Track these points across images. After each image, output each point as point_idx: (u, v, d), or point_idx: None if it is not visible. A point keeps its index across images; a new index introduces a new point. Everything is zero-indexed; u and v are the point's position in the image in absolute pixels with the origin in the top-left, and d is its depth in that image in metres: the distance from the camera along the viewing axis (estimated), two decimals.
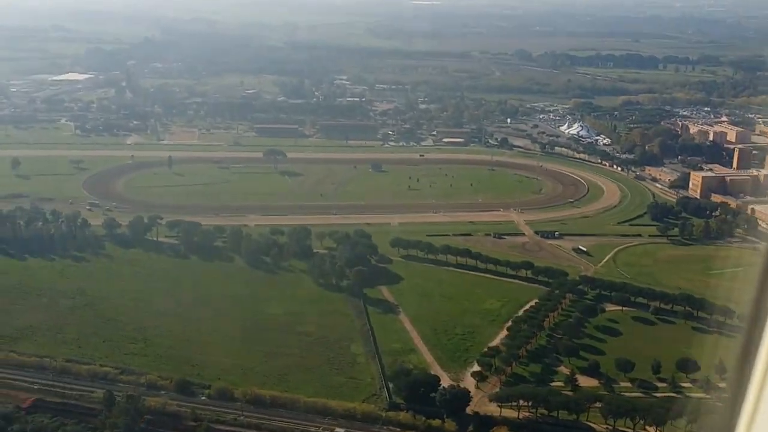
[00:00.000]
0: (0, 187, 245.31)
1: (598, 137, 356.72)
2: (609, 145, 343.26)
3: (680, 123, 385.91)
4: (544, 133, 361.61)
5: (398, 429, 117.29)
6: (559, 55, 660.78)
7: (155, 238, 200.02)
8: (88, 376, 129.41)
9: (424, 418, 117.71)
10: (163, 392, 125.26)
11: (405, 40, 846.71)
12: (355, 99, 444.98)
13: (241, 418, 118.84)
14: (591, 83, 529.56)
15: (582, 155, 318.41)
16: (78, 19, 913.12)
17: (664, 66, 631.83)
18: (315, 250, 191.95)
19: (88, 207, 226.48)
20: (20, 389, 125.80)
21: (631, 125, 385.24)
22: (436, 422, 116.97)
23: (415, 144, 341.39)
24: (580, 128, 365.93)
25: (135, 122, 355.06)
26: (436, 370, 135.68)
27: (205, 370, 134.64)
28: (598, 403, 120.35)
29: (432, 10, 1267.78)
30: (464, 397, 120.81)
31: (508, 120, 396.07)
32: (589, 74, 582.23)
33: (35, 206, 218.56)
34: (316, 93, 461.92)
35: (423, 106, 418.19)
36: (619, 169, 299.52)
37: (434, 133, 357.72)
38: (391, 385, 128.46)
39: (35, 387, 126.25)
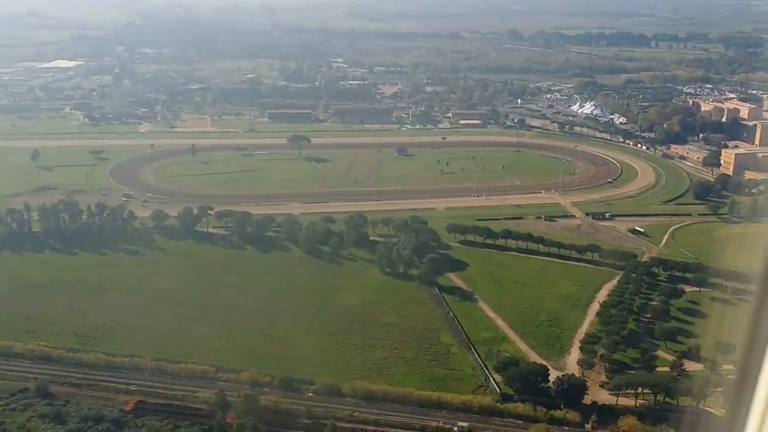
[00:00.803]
0: (26, 180, 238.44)
1: (612, 116, 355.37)
2: (625, 124, 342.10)
3: (690, 101, 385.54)
4: (559, 113, 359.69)
5: (519, 421, 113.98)
6: (550, 34, 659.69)
7: (205, 229, 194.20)
8: (185, 376, 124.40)
9: (544, 410, 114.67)
10: (267, 389, 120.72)
11: (388, 21, 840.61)
12: (358, 82, 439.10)
13: (356, 414, 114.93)
14: (589, 62, 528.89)
15: (603, 135, 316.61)
16: (52, 4, 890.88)
17: (656, 44, 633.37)
18: (371, 238, 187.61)
19: (123, 198, 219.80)
20: (118, 391, 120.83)
21: (642, 104, 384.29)
22: (559, 413, 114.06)
23: (431, 127, 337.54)
24: (593, 107, 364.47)
25: (143, 110, 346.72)
26: (535, 358, 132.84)
27: (300, 365, 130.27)
28: (717, 388, 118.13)
29: None
30: (581, 386, 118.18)
31: (518, 100, 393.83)
32: (585, 53, 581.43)
33: (71, 199, 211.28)
34: (317, 77, 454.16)
35: (430, 89, 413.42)
36: (644, 147, 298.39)
37: (449, 115, 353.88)
38: (496, 376, 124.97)
39: (132, 388, 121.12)
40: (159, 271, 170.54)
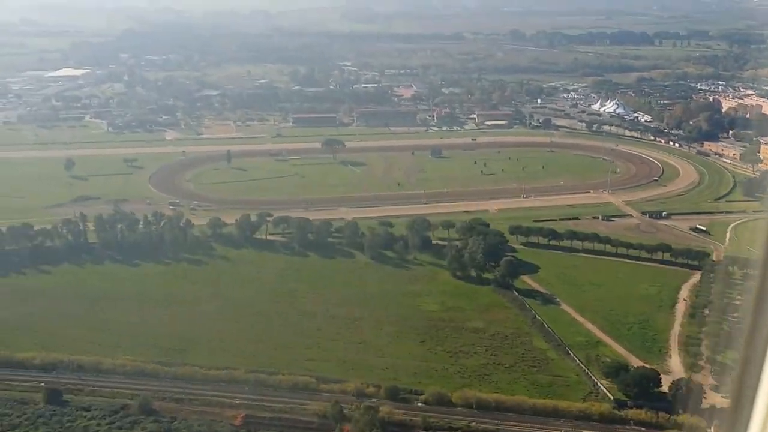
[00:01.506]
0: (64, 190, 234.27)
1: (635, 114, 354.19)
2: (650, 122, 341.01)
3: (710, 98, 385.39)
4: (584, 112, 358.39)
5: (642, 429, 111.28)
6: (551, 34, 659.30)
7: (263, 237, 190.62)
8: (286, 387, 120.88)
9: (666, 415, 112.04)
10: (374, 400, 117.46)
11: (385, 23, 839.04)
12: (372, 85, 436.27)
13: (474, 424, 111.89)
14: (597, 61, 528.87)
15: (632, 133, 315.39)
16: (44, 12, 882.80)
17: (660, 42, 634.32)
18: (433, 242, 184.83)
19: (171, 207, 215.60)
20: (222, 405, 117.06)
21: (662, 101, 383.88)
22: (683, 418, 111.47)
23: (457, 128, 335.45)
24: (615, 106, 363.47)
25: (164, 117, 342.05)
26: (636, 362, 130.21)
27: (399, 374, 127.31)
28: None
29: None
30: (699, 390, 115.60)
31: (538, 100, 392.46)
32: (590, 52, 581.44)
33: (118, 208, 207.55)
34: (330, 81, 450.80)
35: (447, 90, 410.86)
36: (676, 145, 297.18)
37: (473, 116, 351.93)
38: (604, 382, 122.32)
39: (236, 402, 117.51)
40: (227, 281, 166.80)
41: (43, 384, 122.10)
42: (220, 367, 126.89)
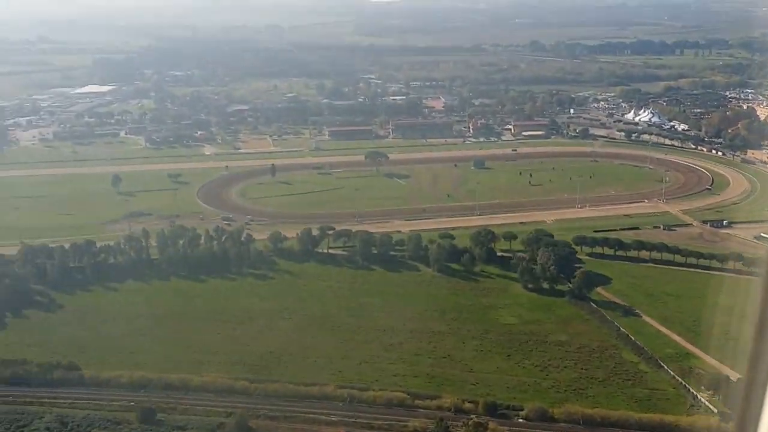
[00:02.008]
0: (115, 206, 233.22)
1: (671, 123, 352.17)
2: (688, 130, 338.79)
3: (744, 106, 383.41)
4: (620, 121, 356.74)
5: None
6: (572, 44, 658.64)
7: (324, 250, 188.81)
8: (381, 404, 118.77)
9: None
10: (473, 416, 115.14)
11: (399, 37, 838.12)
12: (400, 97, 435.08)
13: None
14: (622, 70, 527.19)
15: (672, 142, 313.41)
16: (59, 30, 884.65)
17: (681, 51, 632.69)
18: (498, 254, 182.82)
19: (225, 222, 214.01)
20: (319, 423, 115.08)
21: (695, 110, 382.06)
22: None
23: (495, 139, 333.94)
24: (650, 115, 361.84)
25: (200, 132, 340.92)
26: (733, 374, 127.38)
27: (491, 389, 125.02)
28: None
29: (396, 7, 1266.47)
30: None
31: (571, 110, 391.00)
32: (613, 62, 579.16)
33: (173, 223, 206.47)
34: (358, 94, 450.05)
35: (477, 102, 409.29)
36: (719, 153, 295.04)
37: (508, 127, 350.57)
38: (704, 394, 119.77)
39: (333, 419, 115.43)
40: (298, 296, 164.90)
41: (133, 403, 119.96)
42: (309, 383, 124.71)
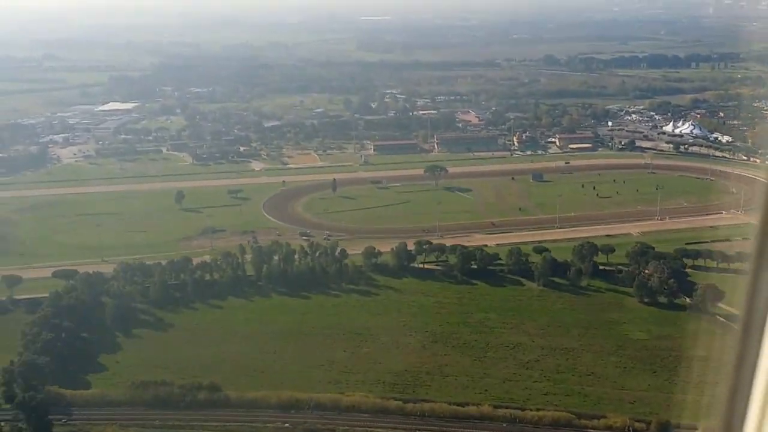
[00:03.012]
0: (184, 222, 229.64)
1: (714, 135, 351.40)
2: (733, 141, 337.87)
3: None
4: (664, 133, 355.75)
5: None
6: (586, 59, 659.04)
7: (418, 265, 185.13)
8: (548, 424, 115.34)
9: None
10: None
11: (405, 52, 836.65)
12: (431, 112, 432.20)
13: None
14: (645, 84, 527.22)
15: (723, 153, 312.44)
16: (60, 48, 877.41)
17: (696, 65, 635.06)
18: (600, 267, 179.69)
19: (304, 237, 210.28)
20: None
21: (732, 122, 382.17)
22: None
23: (542, 152, 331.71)
24: (692, 127, 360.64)
25: (242, 148, 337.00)
26: None
27: (652, 408, 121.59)
28: None
29: (390, 24, 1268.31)
30: None
31: (609, 123, 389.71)
32: (632, 75, 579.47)
33: (254, 240, 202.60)
34: (387, 108, 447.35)
35: (512, 116, 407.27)
36: None
37: (551, 140, 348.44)
38: None
39: None
40: (410, 312, 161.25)
41: (288, 425, 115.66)
42: (461, 403, 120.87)
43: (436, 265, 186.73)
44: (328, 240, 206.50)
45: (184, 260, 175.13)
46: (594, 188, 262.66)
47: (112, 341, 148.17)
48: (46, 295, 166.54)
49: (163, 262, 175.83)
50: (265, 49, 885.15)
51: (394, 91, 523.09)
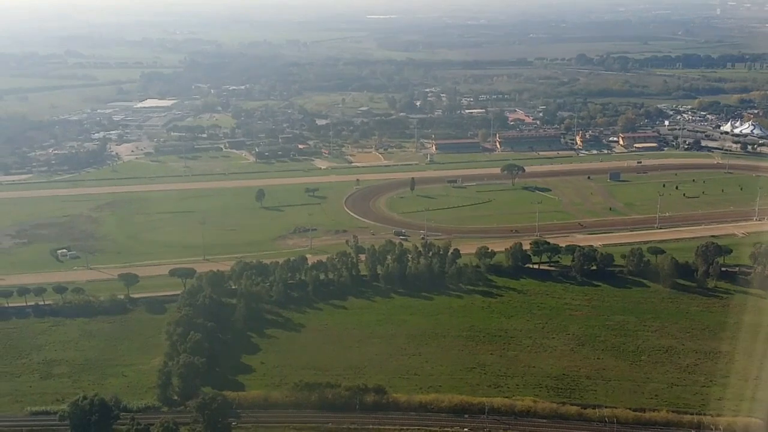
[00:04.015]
0: (271, 221, 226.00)
1: None
2: None
3: None
4: (727, 133, 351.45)
5: None
6: (620, 58, 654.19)
7: (532, 266, 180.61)
8: None
9: None
10: None
11: (428, 51, 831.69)
12: (479, 110, 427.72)
13: None
14: (686, 84, 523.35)
15: None
16: (79, 44, 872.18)
17: (732, 65, 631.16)
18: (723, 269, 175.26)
19: (400, 237, 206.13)
20: None
21: None
22: None
23: (607, 151, 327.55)
24: (752, 126, 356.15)
25: (301, 146, 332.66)
26: None
27: None
28: None
29: (399, 22, 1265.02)
30: None
31: (666, 122, 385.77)
32: (670, 75, 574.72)
33: (355, 239, 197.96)
34: (434, 107, 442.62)
35: (564, 114, 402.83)
36: None
37: (612, 139, 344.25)
38: None
39: None
40: (541, 314, 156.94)
41: (467, 430, 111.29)
42: (638, 409, 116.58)
43: (549, 266, 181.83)
44: (425, 240, 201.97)
45: (300, 259, 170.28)
46: (677, 188, 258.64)
47: (248, 341, 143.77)
48: (163, 294, 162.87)
49: (280, 261, 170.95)
50: (284, 46, 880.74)
51: (434, 90, 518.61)
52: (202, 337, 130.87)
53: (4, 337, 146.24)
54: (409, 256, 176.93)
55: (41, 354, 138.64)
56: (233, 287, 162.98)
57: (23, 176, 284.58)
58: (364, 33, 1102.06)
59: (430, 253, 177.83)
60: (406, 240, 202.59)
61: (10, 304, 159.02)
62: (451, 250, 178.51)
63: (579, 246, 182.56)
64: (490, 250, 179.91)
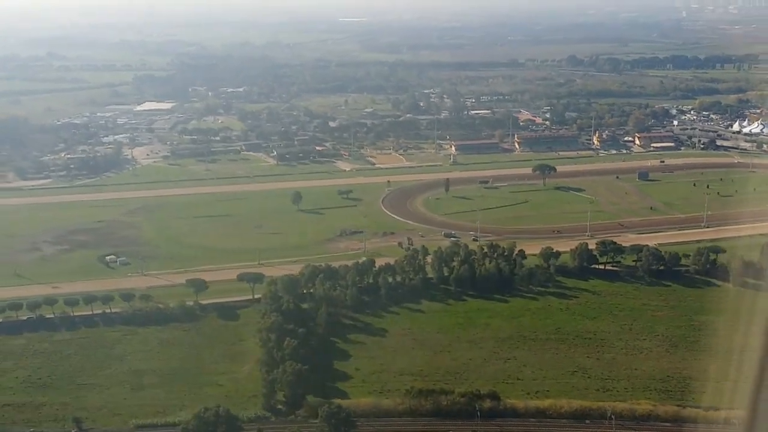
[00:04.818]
0: (314, 224, 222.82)
1: None
2: None
3: None
4: (738, 132, 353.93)
5: None
6: (609, 59, 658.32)
7: (597, 267, 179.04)
8: None
9: None
10: None
11: (414, 53, 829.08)
12: (485, 112, 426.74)
13: None
14: (682, 85, 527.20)
15: None
16: (58, 46, 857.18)
17: (722, 66, 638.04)
18: None
19: (452, 239, 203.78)
20: None
21: None
22: None
23: (626, 151, 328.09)
24: (762, 126, 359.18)
25: (318, 148, 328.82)
26: None
27: None
28: None
29: (369, 25, 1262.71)
30: None
31: (674, 123, 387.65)
32: (663, 76, 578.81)
33: (411, 243, 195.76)
34: (441, 108, 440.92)
35: (573, 115, 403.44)
36: None
37: (627, 138, 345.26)
38: None
39: None
40: (623, 315, 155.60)
41: None
42: None
43: (612, 266, 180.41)
44: (477, 241, 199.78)
45: (368, 262, 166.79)
46: (708, 187, 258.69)
47: (334, 347, 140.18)
48: (232, 299, 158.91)
49: (349, 264, 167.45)
50: (268, 48, 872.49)
51: (433, 91, 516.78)
52: (298, 343, 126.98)
53: (78, 347, 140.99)
54: (474, 258, 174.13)
55: (124, 364, 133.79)
56: (304, 292, 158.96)
57: (42, 181, 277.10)
58: (341, 35, 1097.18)
59: (495, 254, 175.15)
60: (457, 241, 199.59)
61: (76, 313, 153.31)
62: (516, 252, 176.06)
63: (646, 246, 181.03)
64: (555, 251, 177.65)
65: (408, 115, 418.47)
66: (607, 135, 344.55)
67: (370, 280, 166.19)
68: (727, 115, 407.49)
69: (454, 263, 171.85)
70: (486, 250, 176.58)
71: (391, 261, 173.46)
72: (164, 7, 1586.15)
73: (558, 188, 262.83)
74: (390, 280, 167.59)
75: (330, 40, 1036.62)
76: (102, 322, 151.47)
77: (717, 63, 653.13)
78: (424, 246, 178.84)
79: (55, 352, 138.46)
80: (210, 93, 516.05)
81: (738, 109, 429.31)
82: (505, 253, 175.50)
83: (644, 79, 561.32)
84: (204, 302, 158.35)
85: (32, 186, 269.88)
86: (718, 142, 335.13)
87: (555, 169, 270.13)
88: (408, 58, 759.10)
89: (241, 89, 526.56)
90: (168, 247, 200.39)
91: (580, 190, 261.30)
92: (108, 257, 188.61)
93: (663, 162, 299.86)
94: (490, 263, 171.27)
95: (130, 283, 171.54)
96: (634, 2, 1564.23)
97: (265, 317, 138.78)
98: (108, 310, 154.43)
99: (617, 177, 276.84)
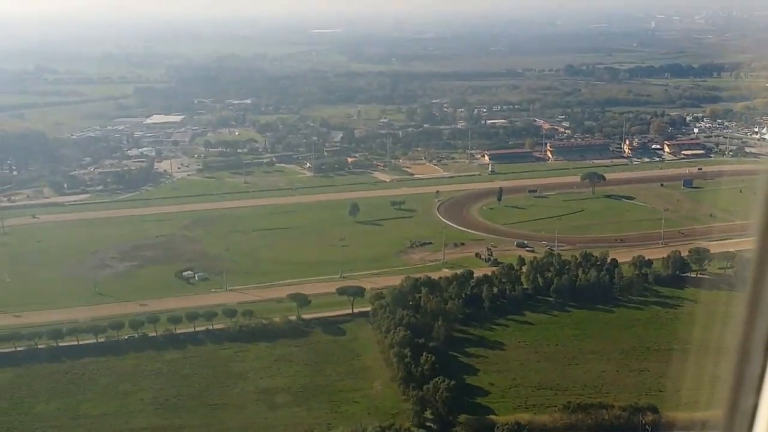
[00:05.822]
0: (378, 236, 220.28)
1: None
2: None
3: None
4: (764, 139, 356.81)
5: None
6: (607, 68, 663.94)
7: (690, 275, 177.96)
8: None
9: None
10: None
11: (404, 64, 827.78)
12: (501, 121, 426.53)
13: None
14: (687, 93, 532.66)
15: None
16: (41, 59, 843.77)
17: (718, 74, 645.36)
18: None
19: (527, 249, 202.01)
20: None
21: None
22: None
23: (657, 159, 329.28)
24: None
25: (350, 159, 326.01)
26: None
27: None
28: None
29: (344, 36, 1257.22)
30: None
31: (695, 130, 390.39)
32: (664, 84, 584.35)
33: (490, 254, 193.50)
34: (457, 118, 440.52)
35: (592, 123, 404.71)
36: None
37: (655, 146, 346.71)
38: None
39: None
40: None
41: None
42: None
43: (700, 274, 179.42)
44: (551, 250, 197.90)
45: (467, 274, 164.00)
46: (756, 194, 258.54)
47: (456, 361, 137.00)
48: (333, 314, 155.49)
49: (448, 274, 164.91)
50: (255, 60, 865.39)
51: (444, 101, 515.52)
52: (435, 358, 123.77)
53: (194, 366, 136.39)
54: (568, 267, 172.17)
55: (249, 383, 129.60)
56: (411, 304, 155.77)
57: (80, 196, 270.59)
58: (321, 47, 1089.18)
59: (589, 264, 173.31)
60: (532, 251, 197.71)
61: (179, 330, 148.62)
62: (609, 260, 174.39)
63: (737, 253, 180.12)
64: (647, 259, 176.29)
65: (426, 126, 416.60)
66: (637, 143, 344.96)
67: (468, 292, 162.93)
68: (741, 122, 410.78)
69: (549, 274, 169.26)
70: (580, 260, 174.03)
71: (477, 272, 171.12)
72: (125, 19, 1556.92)
73: (608, 196, 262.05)
74: (485, 292, 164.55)
75: (314, 51, 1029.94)
76: (208, 339, 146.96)
77: (713, 71, 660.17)
78: (520, 257, 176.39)
79: (172, 372, 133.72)
80: (217, 105, 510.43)
81: (749, 116, 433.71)
82: (598, 263, 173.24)
83: (648, 88, 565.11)
84: (305, 317, 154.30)
85: (72, 201, 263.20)
86: (748, 149, 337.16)
87: (604, 178, 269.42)
88: (402, 69, 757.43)
89: (248, 101, 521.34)
90: (241, 262, 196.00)
91: (630, 198, 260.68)
92: (185, 273, 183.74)
93: (700, 169, 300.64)
94: (584, 273, 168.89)
95: (218, 298, 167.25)
96: (596, 14, 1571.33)
97: (389, 332, 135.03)
98: (211, 327, 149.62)
99: (661, 185, 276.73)
